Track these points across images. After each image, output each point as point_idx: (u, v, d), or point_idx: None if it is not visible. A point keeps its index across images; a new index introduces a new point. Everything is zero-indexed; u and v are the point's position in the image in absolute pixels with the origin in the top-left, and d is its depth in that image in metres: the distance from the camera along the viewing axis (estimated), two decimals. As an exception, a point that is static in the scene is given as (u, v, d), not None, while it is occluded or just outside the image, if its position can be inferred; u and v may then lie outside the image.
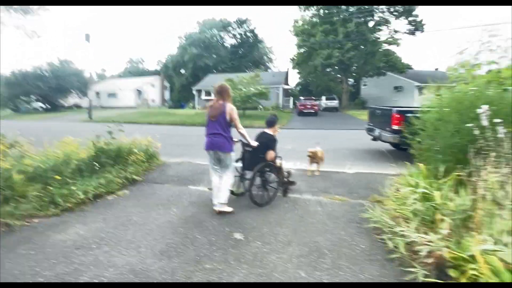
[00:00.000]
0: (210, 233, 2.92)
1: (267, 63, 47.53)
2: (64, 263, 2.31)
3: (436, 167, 2.91)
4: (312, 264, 2.39)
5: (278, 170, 3.88)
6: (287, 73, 33.02)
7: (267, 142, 3.76)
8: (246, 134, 3.51)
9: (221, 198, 3.38)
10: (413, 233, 2.24)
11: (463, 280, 1.69)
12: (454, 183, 2.55)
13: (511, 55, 3.41)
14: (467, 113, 2.93)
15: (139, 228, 3.00)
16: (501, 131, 2.27)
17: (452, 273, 1.83)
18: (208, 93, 29.25)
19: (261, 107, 25.33)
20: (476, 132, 2.40)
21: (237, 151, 3.63)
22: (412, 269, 2.12)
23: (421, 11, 41.42)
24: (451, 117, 3.07)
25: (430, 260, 2.05)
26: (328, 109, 26.84)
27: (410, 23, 25.92)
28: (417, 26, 25.94)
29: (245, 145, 3.70)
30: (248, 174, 3.91)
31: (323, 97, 29.08)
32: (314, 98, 26.05)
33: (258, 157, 3.64)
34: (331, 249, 2.63)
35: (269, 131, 3.95)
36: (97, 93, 36.04)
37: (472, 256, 1.68)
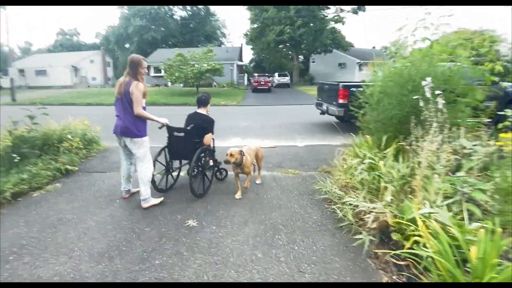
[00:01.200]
0: (159, 223, 2.67)
1: (220, 38, 45.29)
2: (-32, 283, 1.86)
3: (379, 138, 3.08)
4: (268, 242, 2.36)
5: (213, 153, 3.54)
6: (241, 49, 32.08)
7: (203, 124, 3.31)
8: (153, 116, 2.94)
9: (141, 195, 2.94)
10: (360, 202, 2.34)
11: (405, 243, 1.81)
12: (395, 152, 2.72)
13: (441, 32, 3.67)
14: (406, 86, 3.10)
15: (72, 228, 2.59)
16: (441, 102, 2.42)
17: (394, 236, 1.96)
18: (158, 70, 26.88)
19: (215, 83, 24.42)
20: (421, 103, 2.53)
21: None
22: (359, 236, 2.24)
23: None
24: (392, 90, 3.22)
25: (374, 226, 2.18)
26: (280, 86, 27.26)
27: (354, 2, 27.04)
28: (360, 6, 27.27)
29: (173, 129, 3.19)
30: (177, 165, 3.48)
31: (276, 74, 29.35)
32: (267, 74, 26.05)
33: (192, 143, 3.17)
34: (285, 224, 2.64)
35: (202, 111, 3.45)
36: (22, 71, 30.33)
37: (413, 220, 1.80)
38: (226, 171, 3.83)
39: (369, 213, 2.22)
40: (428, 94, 2.48)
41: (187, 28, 40.43)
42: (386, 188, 2.29)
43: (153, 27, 35.81)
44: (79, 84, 30.37)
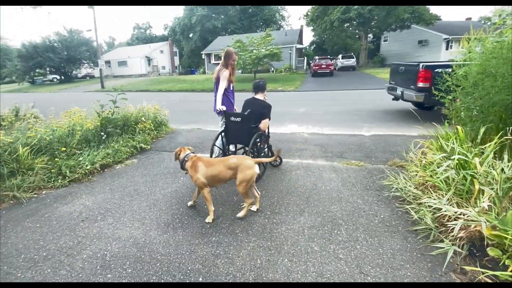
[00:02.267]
0: (217, 202, 2.77)
1: (279, 22, 44.09)
2: (69, 236, 2.27)
3: (475, 129, 2.49)
4: (325, 236, 2.21)
5: (267, 139, 3.47)
6: (301, 31, 30.61)
7: (261, 110, 3.26)
8: (219, 99, 3.47)
9: None
10: (444, 205, 1.95)
11: (507, 262, 1.43)
12: (497, 148, 2.16)
13: None
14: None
15: (145, 199, 2.91)
16: None
17: (491, 252, 1.57)
18: (218, 57, 28.05)
19: (272, 69, 24.15)
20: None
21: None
22: (440, 244, 1.88)
23: None
24: (498, 70, 2.53)
25: (462, 235, 1.79)
26: (344, 69, 25.17)
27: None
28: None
29: (231, 115, 3.25)
30: (232, 148, 3.67)
31: (340, 56, 27.15)
32: (329, 57, 24.33)
33: (249, 128, 3.14)
34: (346, 219, 2.42)
35: (259, 96, 3.41)
36: (108, 62, 35.66)
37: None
38: (281, 158, 3.74)
39: (455, 219, 1.84)
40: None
41: (245, 14, 40.54)
42: (482, 191, 1.84)
43: (213, 15, 37.04)
44: (151, 72, 34.04)
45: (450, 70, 3.38)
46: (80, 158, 3.72)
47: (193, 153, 2.60)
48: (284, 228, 2.33)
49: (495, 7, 3.44)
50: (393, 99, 7.06)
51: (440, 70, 5.07)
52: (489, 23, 3.60)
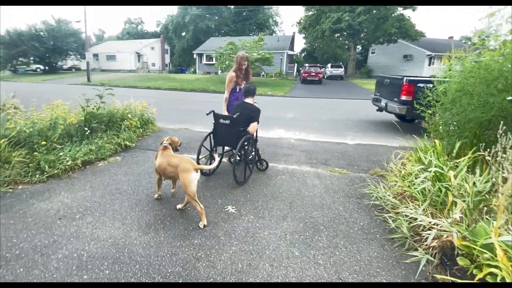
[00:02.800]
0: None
1: (272, 27, 44.60)
2: (44, 234, 2.18)
3: (451, 143, 2.63)
4: (306, 241, 2.25)
5: (254, 143, 3.51)
6: (292, 38, 31.08)
7: (250, 113, 3.30)
8: (224, 102, 3.88)
9: None
10: (420, 215, 2.04)
11: (475, 271, 1.52)
12: (471, 163, 2.29)
13: None
14: (494, 84, 2.56)
15: (127, 198, 2.85)
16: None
17: (461, 261, 1.66)
18: (209, 58, 27.94)
19: (263, 73, 24.33)
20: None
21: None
22: (414, 253, 1.97)
23: (445, -31, 37.25)
24: (475, 88, 2.70)
25: (435, 244, 1.88)
26: (333, 77, 25.79)
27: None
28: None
29: (220, 116, 3.29)
30: (220, 151, 3.69)
31: (329, 65, 27.79)
32: (319, 65, 24.86)
33: (237, 131, 3.17)
34: (327, 225, 2.48)
35: (249, 100, 3.47)
36: (96, 55, 34.66)
37: (488, 247, 1.49)
38: (267, 162, 3.78)
39: (429, 229, 1.93)
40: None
41: (239, 17, 40.75)
42: (455, 203, 1.95)
43: (207, 15, 36.97)
44: (141, 68, 33.43)
45: (431, 85, 3.55)
46: (61, 153, 3.59)
47: (175, 144, 2.96)
48: (266, 232, 2.36)
49: (491, 7, 3.59)
50: (377, 110, 7.31)
51: (422, 84, 5.34)
52: (469, 43, 3.80)
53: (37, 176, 3.18)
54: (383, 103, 6.56)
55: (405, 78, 5.66)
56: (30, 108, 4.47)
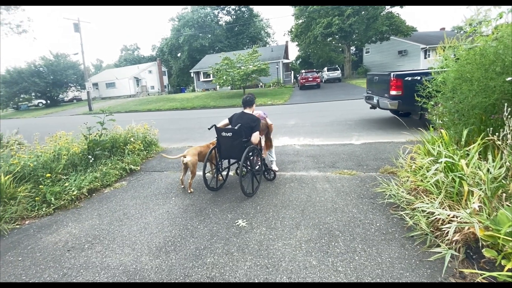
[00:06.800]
0: (211, 221, 2.70)
1: (265, 38, 45.49)
2: (53, 268, 2.14)
3: (458, 132, 2.57)
4: (323, 249, 2.16)
5: (260, 152, 3.47)
6: (286, 46, 31.60)
7: (251, 123, 3.28)
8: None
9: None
10: (437, 208, 1.96)
11: (503, 262, 1.43)
12: (482, 149, 2.22)
13: None
14: (492, 68, 2.52)
15: (135, 222, 2.81)
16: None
17: (487, 253, 1.57)
18: (207, 75, 28.41)
19: (261, 84, 24.59)
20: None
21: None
22: (437, 249, 1.87)
23: (427, -35, 38.04)
24: (473, 74, 2.65)
25: (457, 238, 1.79)
26: (330, 80, 25.96)
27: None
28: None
29: (221, 130, 3.26)
30: (227, 164, 3.68)
31: (325, 69, 28.04)
32: (315, 70, 25.09)
33: (240, 142, 3.13)
34: (343, 230, 2.39)
35: (248, 111, 3.45)
36: (96, 85, 35.50)
37: (514, 234, 1.40)
38: (275, 172, 3.73)
39: (449, 222, 1.84)
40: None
41: (232, 32, 41.73)
42: (472, 192, 1.87)
43: (200, 34, 37.91)
44: (140, 92, 34.06)
45: (419, 78, 3.51)
46: (66, 184, 3.59)
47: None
48: (281, 243, 2.28)
49: (489, 7, 3.60)
50: (370, 108, 7.33)
51: (409, 78, 5.35)
52: (461, 32, 3.79)
53: (44, 209, 3.16)
54: (375, 100, 6.57)
55: (392, 74, 5.69)
56: (34, 141, 4.53)
